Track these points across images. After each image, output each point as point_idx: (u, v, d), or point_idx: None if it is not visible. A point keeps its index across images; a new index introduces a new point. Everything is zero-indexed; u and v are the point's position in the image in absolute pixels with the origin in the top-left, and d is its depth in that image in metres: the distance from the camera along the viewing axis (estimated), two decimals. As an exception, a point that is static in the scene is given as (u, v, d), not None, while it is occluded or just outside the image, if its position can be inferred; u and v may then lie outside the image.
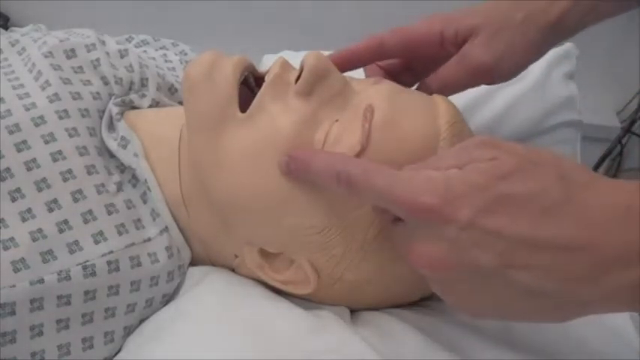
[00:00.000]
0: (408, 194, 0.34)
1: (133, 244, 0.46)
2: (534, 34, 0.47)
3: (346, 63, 0.50)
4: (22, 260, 0.41)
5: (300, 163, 0.41)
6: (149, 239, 0.47)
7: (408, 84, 0.52)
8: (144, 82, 0.57)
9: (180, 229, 0.50)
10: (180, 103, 0.58)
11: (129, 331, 0.47)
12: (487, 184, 0.33)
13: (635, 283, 0.31)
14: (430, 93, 0.49)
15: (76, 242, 0.44)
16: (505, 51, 0.47)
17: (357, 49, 0.50)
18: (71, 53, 0.53)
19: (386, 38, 0.49)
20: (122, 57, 0.56)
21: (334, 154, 0.41)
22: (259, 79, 0.46)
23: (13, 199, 0.43)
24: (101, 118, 0.51)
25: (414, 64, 0.53)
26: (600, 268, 0.31)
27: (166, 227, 0.49)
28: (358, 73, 0.51)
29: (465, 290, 0.36)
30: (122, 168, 0.50)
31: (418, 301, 0.51)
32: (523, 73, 0.66)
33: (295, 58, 0.47)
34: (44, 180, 0.44)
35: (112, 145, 0.50)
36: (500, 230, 0.32)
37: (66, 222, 0.44)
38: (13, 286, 0.40)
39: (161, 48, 0.67)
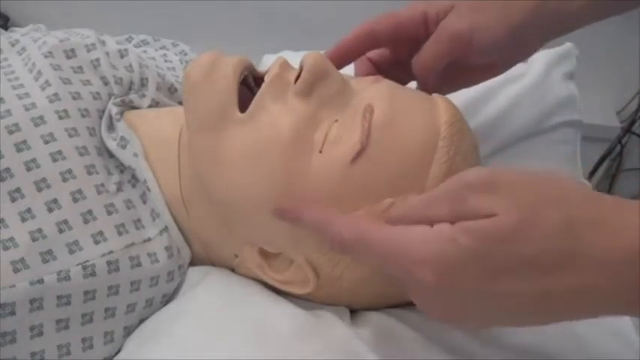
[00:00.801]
0: (405, 266, 0.34)
1: (132, 244, 0.46)
2: (516, 13, 0.47)
3: (342, 57, 0.50)
4: (22, 260, 0.41)
5: (291, 217, 0.42)
6: (149, 239, 0.47)
7: (398, 77, 0.53)
8: (144, 82, 0.57)
9: (180, 229, 0.50)
10: (180, 103, 0.58)
11: (129, 331, 0.47)
12: (486, 251, 0.31)
13: None
14: (424, 86, 0.49)
15: (76, 242, 0.44)
16: (484, 22, 0.47)
17: (348, 40, 0.50)
18: (71, 53, 0.53)
19: (374, 25, 0.50)
20: (122, 57, 0.56)
21: (321, 211, 0.40)
22: (259, 79, 0.46)
23: (13, 199, 0.43)
24: (101, 118, 0.51)
25: (402, 54, 0.53)
26: (616, 310, 0.33)
27: (166, 227, 0.49)
28: (348, 70, 0.51)
29: (465, 310, 0.36)
30: (122, 168, 0.50)
31: (418, 301, 0.51)
32: (523, 72, 0.66)
33: (295, 58, 0.47)
34: (44, 180, 0.44)
35: (112, 145, 0.50)
36: (509, 289, 0.32)
37: (66, 222, 0.44)
38: (13, 286, 0.40)
39: (161, 48, 0.67)
